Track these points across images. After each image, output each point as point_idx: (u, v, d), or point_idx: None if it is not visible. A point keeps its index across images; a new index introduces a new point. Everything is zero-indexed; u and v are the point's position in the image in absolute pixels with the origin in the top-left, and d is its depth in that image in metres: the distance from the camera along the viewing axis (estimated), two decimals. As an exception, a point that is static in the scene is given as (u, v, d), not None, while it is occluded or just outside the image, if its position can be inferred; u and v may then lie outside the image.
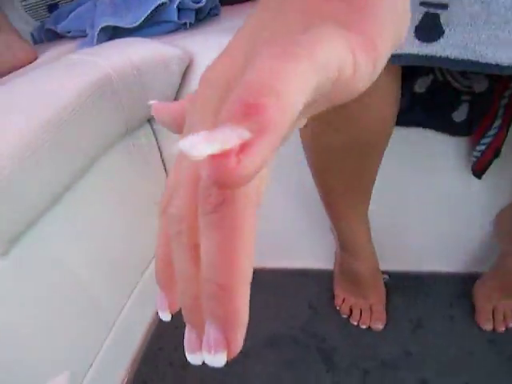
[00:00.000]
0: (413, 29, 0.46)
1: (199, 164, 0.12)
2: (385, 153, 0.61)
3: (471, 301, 0.79)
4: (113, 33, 0.81)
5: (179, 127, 0.19)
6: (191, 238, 0.16)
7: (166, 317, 0.20)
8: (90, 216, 0.67)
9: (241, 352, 0.16)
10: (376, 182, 0.65)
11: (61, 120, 0.55)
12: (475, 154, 0.67)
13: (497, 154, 0.65)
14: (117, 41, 0.74)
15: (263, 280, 0.89)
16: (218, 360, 0.15)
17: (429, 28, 0.46)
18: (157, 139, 0.79)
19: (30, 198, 0.53)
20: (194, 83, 0.73)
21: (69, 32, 0.89)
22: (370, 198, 0.68)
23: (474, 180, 0.69)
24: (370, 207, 0.69)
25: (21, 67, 0.80)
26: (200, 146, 0.11)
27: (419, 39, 0.46)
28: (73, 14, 0.88)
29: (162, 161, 0.82)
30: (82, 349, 0.67)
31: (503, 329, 0.75)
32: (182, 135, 0.18)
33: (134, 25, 0.79)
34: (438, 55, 0.46)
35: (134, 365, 0.77)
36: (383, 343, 0.75)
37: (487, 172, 0.66)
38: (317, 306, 0.83)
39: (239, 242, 0.14)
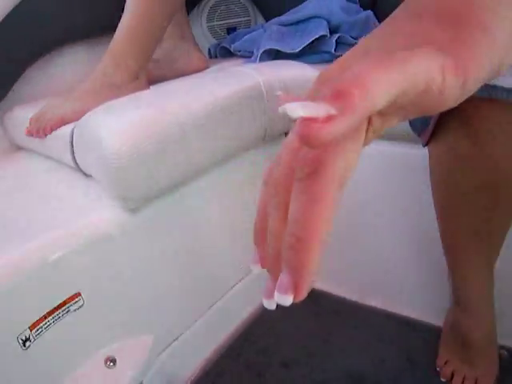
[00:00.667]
0: None
1: (295, 129, 0.15)
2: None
3: None
4: (275, 56, 0.90)
5: None
6: (284, 199, 0.19)
7: (256, 268, 0.23)
8: (219, 197, 0.76)
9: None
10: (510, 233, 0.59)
11: (211, 111, 0.65)
12: None
13: None
14: (274, 61, 0.83)
15: (364, 316, 0.86)
16: (285, 300, 0.18)
17: None
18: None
19: (164, 169, 0.62)
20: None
21: (239, 51, 1.01)
22: (499, 249, 0.62)
23: None
24: (498, 264, 0.63)
25: (193, 73, 0.94)
26: (297, 109, 0.15)
27: None
28: (246, 36, 1.00)
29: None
30: (176, 317, 0.74)
31: None
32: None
33: (295, 51, 0.86)
34: None
35: (214, 356, 0.81)
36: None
37: None
38: (415, 361, 0.77)
39: (320, 207, 0.17)
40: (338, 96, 0.15)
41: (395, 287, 0.87)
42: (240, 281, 0.84)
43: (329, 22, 0.86)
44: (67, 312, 0.59)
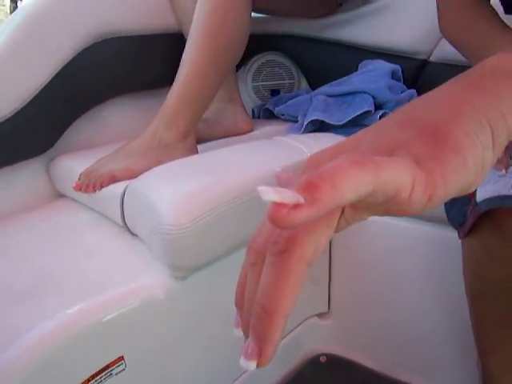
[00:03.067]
0: None
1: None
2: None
3: None
4: (320, 126, 0.93)
5: None
6: (261, 269, 0.21)
7: (238, 332, 0.24)
8: None
9: None
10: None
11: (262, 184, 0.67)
12: None
13: None
14: (320, 134, 0.86)
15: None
16: (249, 365, 0.20)
17: None
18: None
19: (214, 243, 0.65)
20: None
21: (283, 115, 1.05)
22: None
23: None
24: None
25: (237, 135, 0.98)
26: (270, 194, 0.17)
27: None
28: (291, 101, 1.04)
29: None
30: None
31: None
32: None
33: (339, 123, 0.89)
34: None
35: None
36: None
37: None
38: None
39: (288, 283, 0.19)
40: (309, 187, 0.17)
41: (425, 364, 0.86)
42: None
43: (374, 98, 0.89)
44: (110, 375, 0.60)
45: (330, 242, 0.88)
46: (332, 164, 0.18)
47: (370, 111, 0.88)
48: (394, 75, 0.95)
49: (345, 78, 1.00)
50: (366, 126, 0.91)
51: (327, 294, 0.91)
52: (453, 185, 0.19)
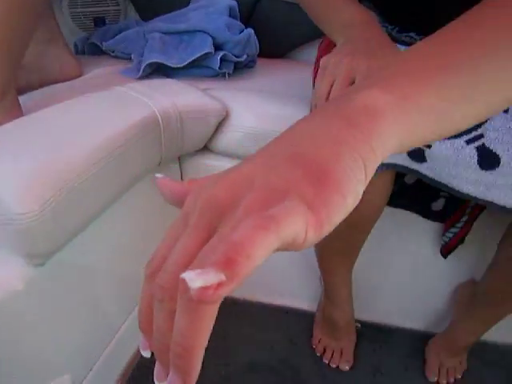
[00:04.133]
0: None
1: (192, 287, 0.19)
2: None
3: (424, 356, 0.93)
4: (157, 67, 0.87)
5: (178, 204, 0.27)
6: (170, 306, 0.22)
7: (146, 354, 0.27)
8: (112, 240, 0.75)
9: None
10: (364, 246, 0.77)
11: (108, 152, 0.63)
12: (444, 238, 0.82)
13: (461, 241, 0.81)
14: (165, 83, 0.81)
15: (251, 312, 0.99)
16: None
17: (417, 155, 0.58)
18: (182, 174, 0.87)
19: (69, 222, 0.60)
20: (224, 135, 0.81)
21: (113, 51, 0.94)
22: (356, 260, 0.80)
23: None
24: (356, 266, 0.81)
25: (64, 81, 0.85)
26: (197, 281, 0.19)
27: (409, 156, 0.58)
28: (121, 35, 0.93)
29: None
30: (84, 354, 0.75)
31: (445, 382, 0.89)
32: (177, 218, 0.25)
33: (180, 65, 0.85)
34: (422, 172, 0.59)
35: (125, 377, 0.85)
36: (347, 382, 0.88)
37: (453, 253, 0.82)
38: (297, 342, 0.94)
39: (203, 324, 0.20)
40: (227, 263, 0.19)
41: (278, 282, 1.01)
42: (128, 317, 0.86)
43: (214, 39, 0.87)
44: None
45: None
46: (240, 233, 0.20)
47: (211, 52, 0.86)
48: (231, 11, 0.92)
49: (179, 11, 0.93)
50: (206, 67, 0.89)
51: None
52: (336, 220, 0.23)
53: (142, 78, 0.86)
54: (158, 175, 0.29)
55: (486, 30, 0.28)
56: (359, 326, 0.96)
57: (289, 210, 0.21)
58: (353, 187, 0.23)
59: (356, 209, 0.24)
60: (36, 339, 0.63)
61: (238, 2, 0.96)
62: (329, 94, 0.53)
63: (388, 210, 0.74)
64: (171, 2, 0.94)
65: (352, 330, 0.93)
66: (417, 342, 0.96)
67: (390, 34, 0.71)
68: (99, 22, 1.02)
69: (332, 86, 0.53)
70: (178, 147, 0.78)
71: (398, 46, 0.62)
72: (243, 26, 0.92)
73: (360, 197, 0.24)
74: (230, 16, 0.92)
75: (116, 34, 0.95)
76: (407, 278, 0.94)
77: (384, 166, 0.60)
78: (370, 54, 0.52)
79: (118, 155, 0.65)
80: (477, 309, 0.81)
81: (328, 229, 0.23)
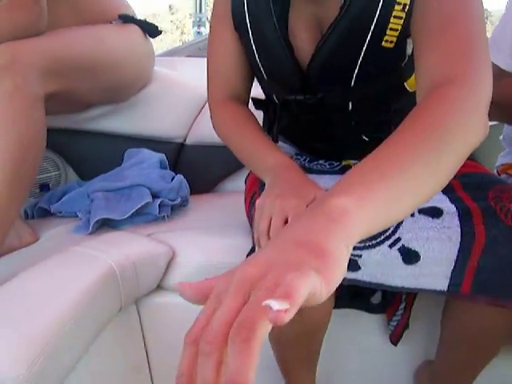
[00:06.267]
0: None
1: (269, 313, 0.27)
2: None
3: None
4: (104, 221, 0.98)
5: (201, 300, 0.31)
6: (217, 357, 0.27)
7: None
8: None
9: None
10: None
11: (76, 312, 0.69)
12: (390, 327, 0.90)
13: (405, 328, 0.88)
14: (116, 236, 0.92)
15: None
16: None
17: (352, 265, 0.69)
18: (139, 314, 0.94)
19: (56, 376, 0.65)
20: (174, 273, 0.90)
21: (60, 212, 1.05)
22: (316, 364, 0.87)
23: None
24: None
25: (23, 247, 0.93)
26: (275, 305, 0.27)
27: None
28: (66, 197, 1.05)
29: (143, 337, 0.94)
30: None
31: None
32: (209, 301, 0.31)
33: (124, 217, 0.97)
34: (359, 279, 0.70)
35: None
36: None
37: (403, 338, 0.88)
38: None
39: (253, 362, 0.25)
40: (288, 297, 0.27)
41: None
42: None
43: (150, 189, 1.01)
44: None
45: (141, 325, 0.95)
46: (291, 277, 0.28)
47: (149, 202, 0.99)
48: (161, 164, 1.09)
49: (116, 170, 1.08)
50: (147, 213, 1.01)
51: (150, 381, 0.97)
52: (338, 278, 0.33)
53: (91, 232, 0.96)
54: (177, 282, 0.36)
55: (407, 153, 0.44)
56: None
57: (306, 274, 0.30)
58: (343, 257, 0.35)
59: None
60: None
61: (164, 151, 1.14)
62: (269, 229, 0.61)
63: (336, 312, 0.81)
64: (107, 162, 1.09)
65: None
66: None
67: (303, 166, 0.87)
68: (44, 187, 1.14)
69: (270, 222, 0.61)
70: (135, 292, 0.87)
71: (312, 175, 0.73)
72: (173, 174, 1.08)
73: (347, 262, 0.35)
74: (161, 167, 1.08)
75: (61, 197, 1.06)
76: (366, 370, 0.97)
77: None
78: (296, 194, 0.62)
79: (84, 313, 0.72)
80: None
81: (334, 285, 0.32)
